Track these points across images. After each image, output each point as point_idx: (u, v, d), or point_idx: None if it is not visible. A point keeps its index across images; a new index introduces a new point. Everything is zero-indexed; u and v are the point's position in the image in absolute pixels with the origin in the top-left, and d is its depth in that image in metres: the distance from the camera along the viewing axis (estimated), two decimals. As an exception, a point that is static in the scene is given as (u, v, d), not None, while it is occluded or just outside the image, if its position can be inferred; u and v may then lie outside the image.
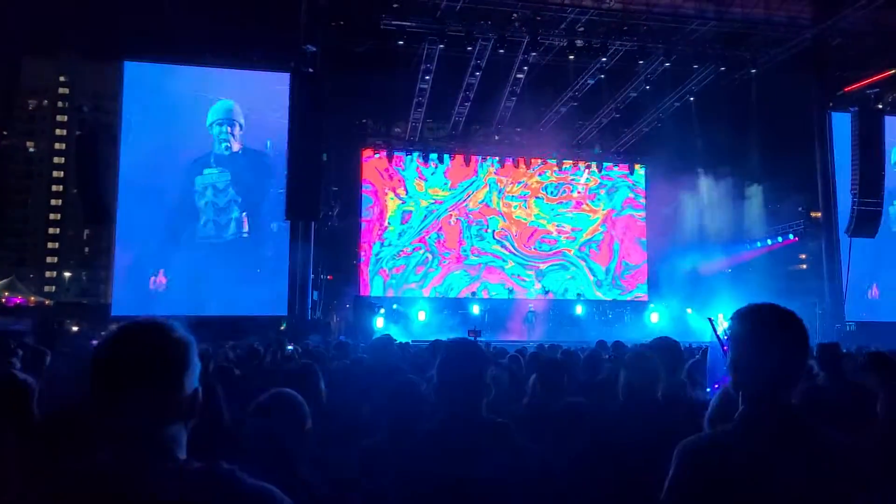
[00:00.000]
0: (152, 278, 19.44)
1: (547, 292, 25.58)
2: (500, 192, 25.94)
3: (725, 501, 1.82)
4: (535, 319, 23.78)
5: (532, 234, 26.14)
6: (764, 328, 1.94)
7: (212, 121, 20.05)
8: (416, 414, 2.98)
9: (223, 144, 19.97)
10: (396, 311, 22.70)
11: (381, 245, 24.90)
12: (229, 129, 20.04)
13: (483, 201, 25.80)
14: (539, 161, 26.20)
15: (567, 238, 26.45)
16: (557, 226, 26.40)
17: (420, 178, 25.36)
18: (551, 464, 2.71)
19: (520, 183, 26.17)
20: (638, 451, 2.87)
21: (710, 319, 4.12)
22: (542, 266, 26.10)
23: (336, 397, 4.79)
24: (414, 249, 25.05)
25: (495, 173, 25.93)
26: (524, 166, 26.05)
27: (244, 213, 20.17)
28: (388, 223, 25.02)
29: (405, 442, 2.57)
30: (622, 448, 3.07)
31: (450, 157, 25.31)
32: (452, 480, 2.32)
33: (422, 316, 22.65)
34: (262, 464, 1.72)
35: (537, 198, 26.32)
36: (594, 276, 26.56)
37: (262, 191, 20.24)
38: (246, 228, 20.18)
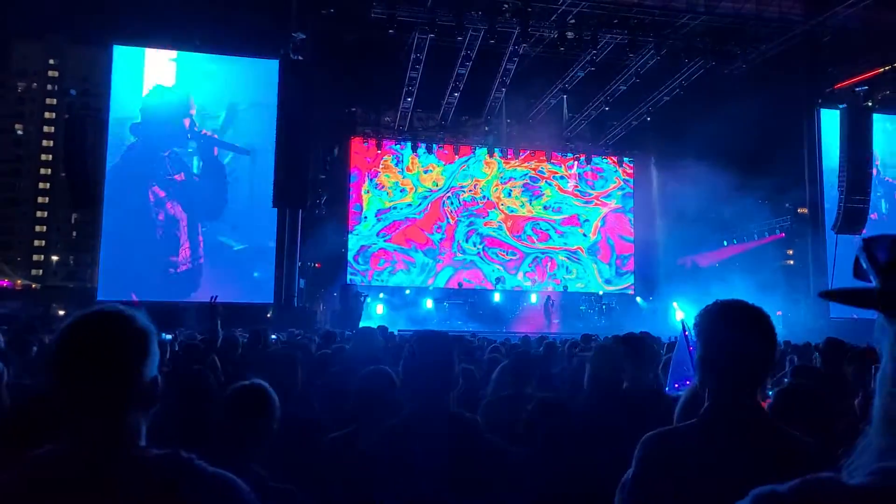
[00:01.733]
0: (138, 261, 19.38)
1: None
2: (489, 183, 25.92)
3: (680, 494, 1.84)
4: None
5: (522, 226, 26.15)
6: (729, 325, 1.94)
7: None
8: (386, 404, 2.98)
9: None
10: (381, 301, 22.78)
11: (368, 232, 24.85)
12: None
13: (481, 193, 25.78)
14: (528, 153, 26.19)
15: (558, 232, 26.49)
16: (546, 218, 26.42)
17: (410, 167, 25.32)
18: (515, 458, 2.72)
19: (508, 174, 26.15)
20: (601, 445, 2.88)
21: (681, 321, 4.14)
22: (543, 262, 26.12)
23: (314, 386, 4.82)
24: (401, 240, 25.03)
25: (484, 164, 25.90)
26: (514, 157, 26.04)
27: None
28: (370, 213, 24.97)
29: (370, 435, 2.56)
30: (584, 440, 3.09)
31: (439, 147, 25.27)
32: (414, 476, 2.32)
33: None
34: (219, 455, 1.73)
35: (526, 189, 26.33)
36: (599, 272, 26.61)
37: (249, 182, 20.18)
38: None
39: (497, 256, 25.76)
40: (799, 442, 1.91)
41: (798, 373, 4.46)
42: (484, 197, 25.86)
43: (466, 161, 25.81)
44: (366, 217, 24.87)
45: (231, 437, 2.59)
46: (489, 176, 25.99)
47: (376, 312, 21.49)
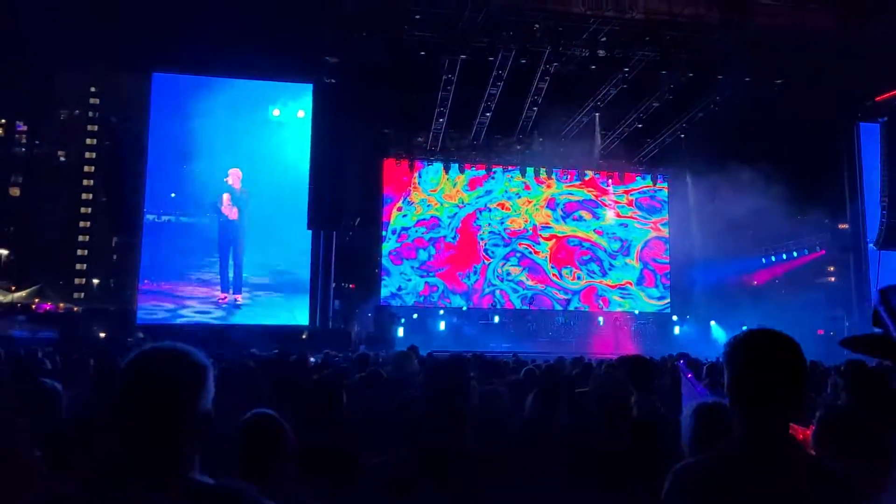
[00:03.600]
0: (176, 287, 19.68)
1: (567, 303, 25.48)
2: (519, 200, 25.85)
3: None
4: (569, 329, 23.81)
5: (560, 245, 25.98)
6: (759, 356, 1.92)
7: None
8: (414, 433, 2.96)
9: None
10: (417, 321, 22.76)
11: (402, 254, 24.90)
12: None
13: (509, 212, 25.74)
14: (562, 171, 26.11)
15: (598, 247, 26.29)
16: (585, 235, 26.24)
17: (441, 187, 25.37)
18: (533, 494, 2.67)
19: (540, 193, 26.07)
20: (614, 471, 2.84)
21: (681, 362, 4.04)
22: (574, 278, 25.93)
23: (351, 411, 4.80)
24: (436, 262, 25.02)
25: (515, 183, 25.86)
26: (546, 176, 25.95)
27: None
28: (408, 232, 25.02)
29: (401, 468, 2.53)
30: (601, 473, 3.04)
31: (472, 166, 25.31)
32: None
33: (442, 326, 22.74)
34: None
35: (558, 208, 26.21)
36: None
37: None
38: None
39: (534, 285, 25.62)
40: (835, 473, 1.88)
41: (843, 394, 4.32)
42: (518, 216, 25.76)
43: (498, 180, 25.78)
44: (399, 236, 24.92)
45: (244, 471, 2.55)
46: (524, 198, 25.91)
47: (411, 333, 21.48)
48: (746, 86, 21.64)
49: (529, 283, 25.41)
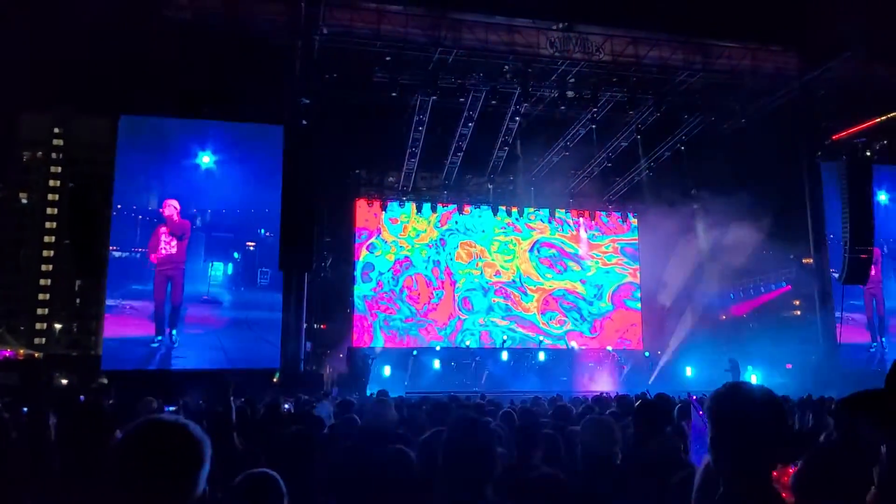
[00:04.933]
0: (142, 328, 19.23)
1: (540, 342, 25.48)
2: (489, 240, 25.94)
3: None
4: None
5: (522, 284, 26.05)
6: (741, 410, 1.94)
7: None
8: (405, 488, 2.87)
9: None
10: (390, 362, 22.50)
11: (375, 295, 24.75)
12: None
13: (474, 252, 25.78)
14: (532, 210, 26.29)
15: (562, 288, 26.38)
16: (545, 272, 26.36)
17: (411, 227, 25.37)
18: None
19: (510, 233, 26.19)
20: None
21: (693, 399, 4.01)
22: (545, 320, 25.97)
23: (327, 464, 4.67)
24: (408, 301, 24.91)
25: (486, 222, 25.96)
26: (517, 215, 26.10)
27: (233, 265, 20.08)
28: (380, 272, 24.91)
29: None
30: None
31: (442, 206, 25.38)
32: None
33: (417, 367, 22.52)
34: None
35: (529, 248, 26.34)
36: (587, 323, 26.45)
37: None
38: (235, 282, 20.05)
39: (509, 321, 25.62)
40: None
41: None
42: (489, 257, 25.83)
43: (468, 220, 25.86)
44: (370, 277, 24.79)
45: None
46: (495, 238, 26.02)
47: (384, 374, 21.22)
48: (711, 125, 22.18)
49: (510, 328, 25.43)
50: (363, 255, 24.84)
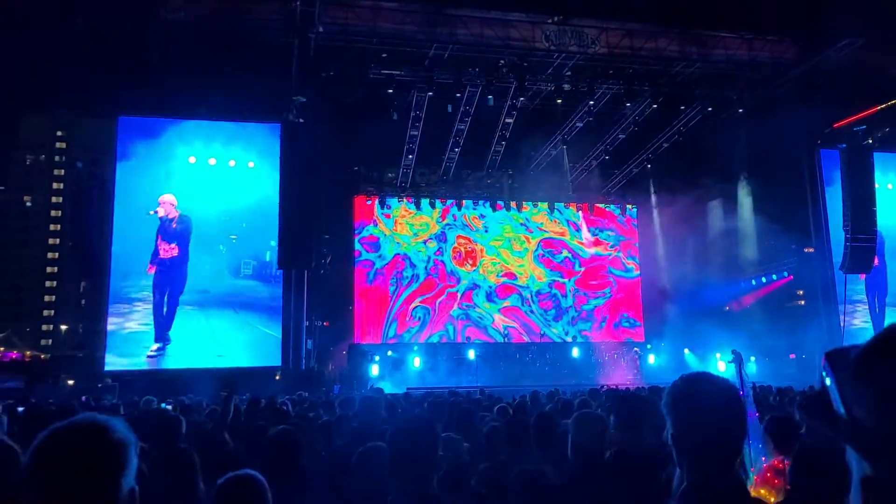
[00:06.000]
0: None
1: (542, 335, 25.49)
2: (489, 235, 25.95)
3: None
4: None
5: (520, 273, 26.07)
6: (697, 402, 1.91)
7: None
8: (380, 485, 2.92)
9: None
10: (392, 358, 22.54)
11: (375, 293, 24.80)
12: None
13: (474, 247, 25.80)
14: (530, 204, 26.29)
15: (561, 282, 26.39)
16: (542, 265, 26.35)
17: (410, 223, 25.42)
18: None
19: (506, 224, 26.19)
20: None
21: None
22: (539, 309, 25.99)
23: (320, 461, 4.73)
24: (408, 298, 24.96)
25: (485, 217, 25.98)
26: (515, 209, 26.11)
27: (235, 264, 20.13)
28: (381, 270, 24.96)
29: None
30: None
31: (441, 202, 25.39)
32: None
33: (417, 363, 22.53)
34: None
35: (530, 243, 26.34)
36: (577, 316, 26.46)
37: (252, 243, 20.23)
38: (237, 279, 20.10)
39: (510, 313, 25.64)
40: None
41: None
42: (484, 250, 25.85)
43: (468, 216, 25.88)
44: (369, 274, 24.84)
45: None
46: (489, 229, 26.04)
47: (383, 371, 21.26)
48: (709, 115, 22.10)
49: (507, 321, 25.45)
50: (362, 252, 24.91)
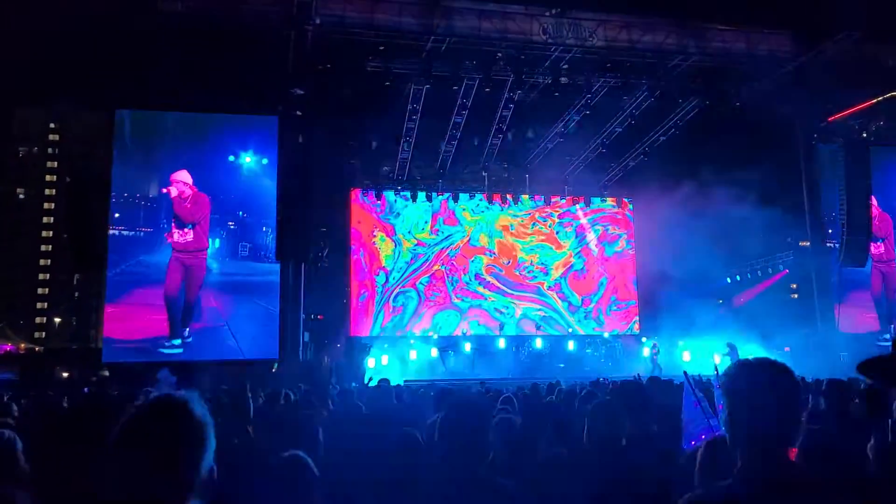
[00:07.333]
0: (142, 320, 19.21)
1: (539, 327, 25.55)
2: (485, 228, 25.98)
3: None
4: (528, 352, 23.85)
5: (518, 267, 26.12)
6: (757, 384, 1.94)
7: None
8: (414, 468, 2.94)
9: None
10: (390, 350, 22.59)
11: (372, 285, 24.82)
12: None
13: (470, 240, 25.82)
14: (527, 197, 26.32)
15: (547, 271, 26.44)
16: (541, 260, 26.39)
17: (406, 215, 25.44)
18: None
19: (502, 217, 26.22)
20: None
21: (684, 373, 4.01)
22: (526, 304, 26.04)
23: (334, 449, 4.72)
24: (403, 290, 24.98)
25: (483, 210, 26.00)
26: (512, 202, 26.13)
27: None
28: (377, 263, 24.97)
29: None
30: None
31: (437, 195, 25.37)
32: None
33: (413, 355, 22.57)
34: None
35: (523, 233, 26.38)
36: (574, 310, 26.51)
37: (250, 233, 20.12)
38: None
39: (490, 302, 25.68)
40: (835, 494, 1.89)
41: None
42: (479, 244, 25.88)
43: (466, 209, 25.90)
44: (367, 267, 24.85)
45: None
46: (485, 222, 26.06)
47: (381, 363, 21.30)
48: (706, 108, 22.10)
49: (503, 314, 25.52)
50: (359, 245, 24.91)
